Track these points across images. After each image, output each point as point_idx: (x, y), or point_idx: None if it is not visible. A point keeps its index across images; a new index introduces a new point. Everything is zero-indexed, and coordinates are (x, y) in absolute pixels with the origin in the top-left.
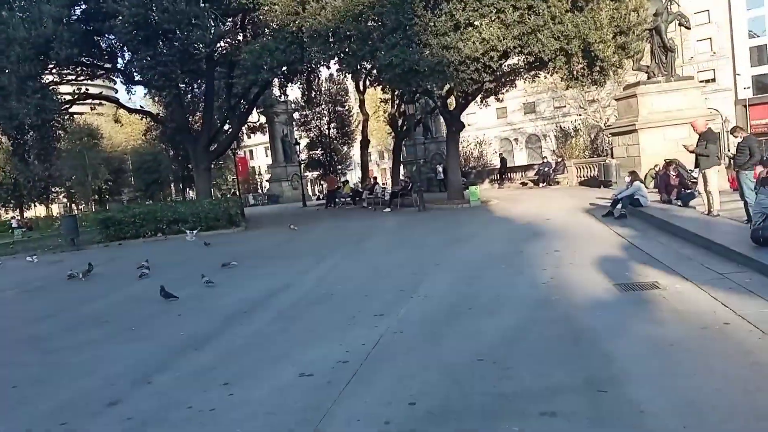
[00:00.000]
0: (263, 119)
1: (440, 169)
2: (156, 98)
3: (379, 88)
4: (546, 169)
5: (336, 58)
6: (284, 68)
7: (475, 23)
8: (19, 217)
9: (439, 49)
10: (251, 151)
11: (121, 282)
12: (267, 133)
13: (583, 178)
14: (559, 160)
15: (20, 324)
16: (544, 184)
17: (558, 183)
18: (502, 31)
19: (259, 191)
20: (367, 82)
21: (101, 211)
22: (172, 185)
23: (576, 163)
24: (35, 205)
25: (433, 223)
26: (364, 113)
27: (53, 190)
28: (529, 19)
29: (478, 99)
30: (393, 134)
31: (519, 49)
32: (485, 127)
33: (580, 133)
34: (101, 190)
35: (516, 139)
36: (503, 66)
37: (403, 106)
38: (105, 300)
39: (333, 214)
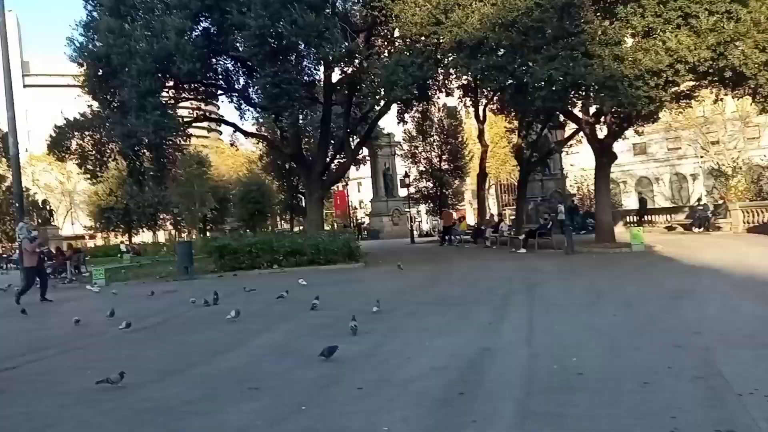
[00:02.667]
0: (365, 151)
1: (561, 208)
2: (273, 122)
3: (499, 116)
4: (703, 212)
5: (478, 74)
6: (416, 87)
7: (658, 30)
8: (128, 242)
9: (611, 60)
10: (345, 185)
11: (253, 323)
12: (366, 166)
13: (752, 224)
14: (720, 202)
15: (139, 381)
16: (701, 229)
17: (719, 228)
18: (692, 40)
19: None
20: (487, 111)
21: (213, 238)
22: (277, 216)
23: (743, 206)
24: (143, 231)
25: (608, 269)
26: (483, 144)
27: (161, 216)
28: (726, 26)
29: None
30: (519, 166)
31: (712, 62)
32: (591, 167)
33: (739, 172)
34: (206, 219)
35: (624, 182)
36: (684, 82)
37: (529, 137)
38: (243, 349)
39: (457, 253)
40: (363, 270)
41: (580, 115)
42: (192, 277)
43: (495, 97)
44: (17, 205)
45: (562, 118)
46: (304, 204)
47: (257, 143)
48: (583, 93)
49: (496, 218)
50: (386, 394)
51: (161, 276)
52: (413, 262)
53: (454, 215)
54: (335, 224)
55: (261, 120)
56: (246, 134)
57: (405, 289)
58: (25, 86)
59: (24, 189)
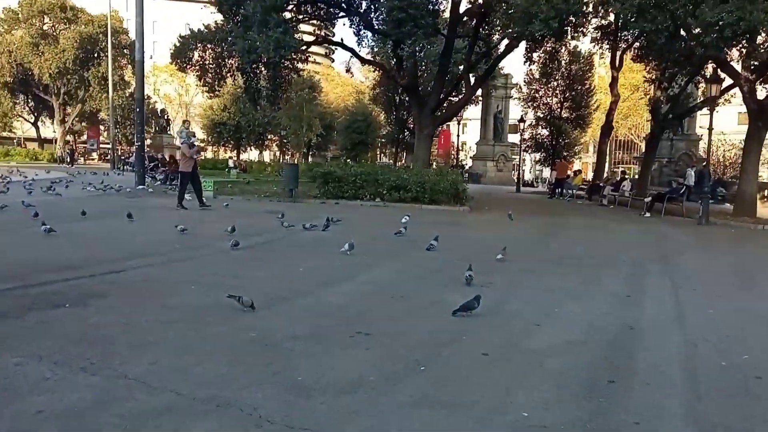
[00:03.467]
0: (478, 91)
1: (691, 172)
2: (392, 51)
3: (636, 65)
4: None
5: (631, 12)
6: (557, 22)
7: None
8: (235, 158)
9: None
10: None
11: (359, 256)
12: (475, 107)
13: None
14: None
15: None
16: None
17: None
18: None
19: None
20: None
21: (319, 164)
22: (378, 149)
23: None
24: (250, 149)
25: (755, 246)
26: (614, 93)
27: (268, 136)
28: None
29: None
30: (652, 122)
31: None
32: (730, 130)
33: None
34: (310, 144)
35: None
36: None
37: (670, 90)
38: (350, 284)
39: (569, 208)
40: (468, 215)
41: (738, 68)
42: (296, 200)
43: (636, 42)
44: (138, 110)
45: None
46: (411, 139)
47: (369, 73)
48: (756, 43)
49: (618, 175)
50: (517, 366)
51: (266, 195)
52: (522, 213)
53: (570, 168)
54: (435, 163)
55: (377, 48)
56: (363, 61)
57: (518, 241)
58: None
59: (145, 96)
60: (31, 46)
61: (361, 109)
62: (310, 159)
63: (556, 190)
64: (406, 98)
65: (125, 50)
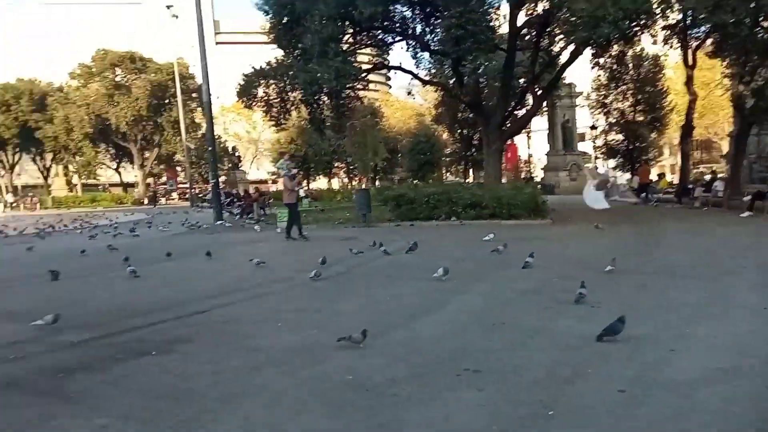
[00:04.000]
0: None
1: None
2: (453, 68)
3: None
4: None
5: (708, 3)
6: (626, 23)
7: None
8: (306, 188)
9: None
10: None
11: (445, 281)
12: (539, 118)
13: None
14: None
15: (335, 344)
16: None
17: None
18: None
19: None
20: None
21: (389, 188)
22: (444, 168)
23: None
24: (319, 178)
25: None
26: (691, 92)
27: (335, 164)
28: None
29: None
30: (736, 118)
31: None
32: None
33: None
34: (377, 168)
35: None
36: None
37: (754, 83)
38: (442, 314)
39: (659, 213)
40: (551, 228)
41: None
42: (369, 225)
43: (709, 39)
44: (210, 149)
45: None
46: (479, 155)
47: (428, 94)
48: None
49: (708, 176)
50: (665, 404)
51: (339, 221)
52: (609, 222)
53: (652, 172)
54: (505, 177)
55: (435, 69)
56: (424, 82)
57: (615, 252)
58: (216, 43)
59: (216, 136)
60: (107, 97)
61: (423, 131)
62: (377, 183)
63: (640, 195)
64: (470, 115)
65: (193, 94)
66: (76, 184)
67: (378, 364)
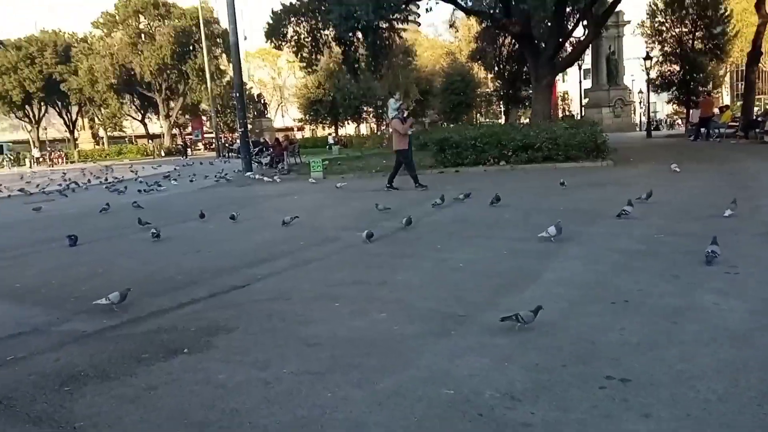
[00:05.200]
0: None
1: None
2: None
3: None
4: None
5: None
6: None
7: None
8: (334, 134)
9: None
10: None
11: (527, 241)
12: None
13: None
14: None
15: (412, 332)
16: None
17: None
18: None
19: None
20: None
21: (426, 131)
22: (477, 108)
23: None
24: (347, 123)
25: None
26: (761, 14)
27: (364, 109)
28: None
29: None
30: None
31: None
32: None
33: None
34: (409, 111)
35: None
36: None
37: None
38: (538, 286)
39: (727, 149)
40: (616, 170)
41: None
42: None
43: None
44: (237, 94)
45: None
46: (526, 92)
47: (457, 32)
48: None
49: None
50: None
51: (377, 170)
52: (679, 162)
53: (715, 105)
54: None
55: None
56: (467, 12)
57: (708, 197)
58: None
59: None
60: (131, 46)
61: (457, 69)
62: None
63: (701, 131)
64: (514, 49)
65: (218, 39)
66: (102, 137)
67: (481, 367)
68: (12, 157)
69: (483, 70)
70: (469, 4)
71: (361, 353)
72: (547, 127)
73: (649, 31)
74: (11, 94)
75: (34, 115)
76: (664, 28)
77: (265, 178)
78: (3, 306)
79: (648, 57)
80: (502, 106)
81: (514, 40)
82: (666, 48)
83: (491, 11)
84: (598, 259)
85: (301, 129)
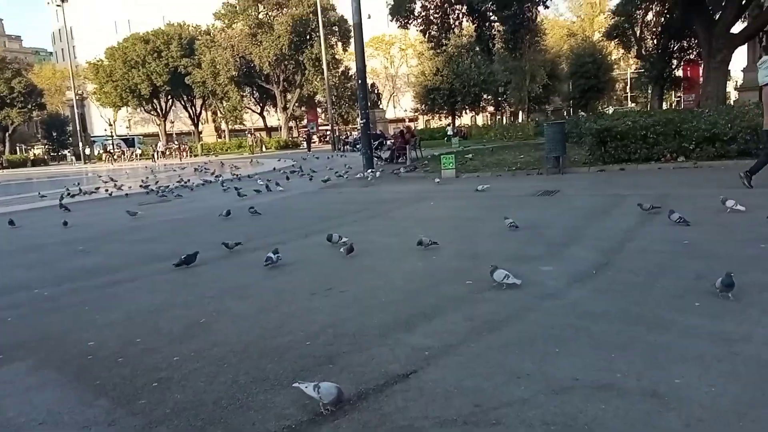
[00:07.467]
0: None
1: None
2: None
3: None
4: None
5: None
6: None
7: None
8: (452, 125)
9: None
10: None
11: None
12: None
13: None
14: None
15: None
16: None
17: None
18: None
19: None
20: None
21: (592, 119)
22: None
23: None
24: (465, 113)
25: None
26: None
27: (484, 96)
28: None
29: None
30: None
31: None
32: None
33: None
34: (530, 98)
35: None
36: None
37: None
38: None
39: None
40: None
41: None
42: (562, 171)
43: None
44: (360, 81)
45: None
46: (673, 74)
47: (580, 9)
48: None
49: None
50: None
51: (518, 167)
52: None
53: None
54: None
55: None
56: None
57: None
58: None
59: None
60: (250, 36)
61: (588, 50)
62: (521, 117)
63: None
64: (672, 16)
65: (334, 27)
66: (224, 130)
67: None
68: (141, 151)
69: (621, 49)
70: None
71: None
72: (740, 115)
73: None
74: (140, 88)
75: (161, 109)
76: None
77: (402, 171)
78: (48, 390)
79: None
80: (649, 89)
81: (666, 10)
82: None
83: None
84: None
85: (413, 120)
